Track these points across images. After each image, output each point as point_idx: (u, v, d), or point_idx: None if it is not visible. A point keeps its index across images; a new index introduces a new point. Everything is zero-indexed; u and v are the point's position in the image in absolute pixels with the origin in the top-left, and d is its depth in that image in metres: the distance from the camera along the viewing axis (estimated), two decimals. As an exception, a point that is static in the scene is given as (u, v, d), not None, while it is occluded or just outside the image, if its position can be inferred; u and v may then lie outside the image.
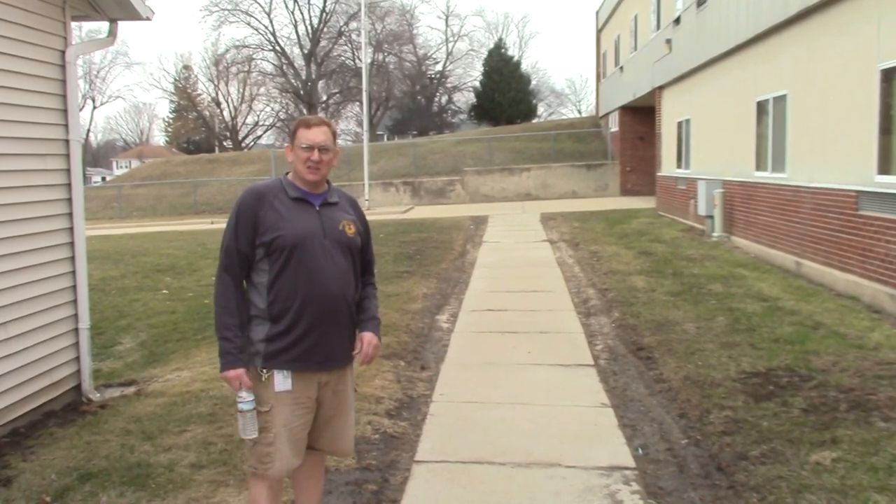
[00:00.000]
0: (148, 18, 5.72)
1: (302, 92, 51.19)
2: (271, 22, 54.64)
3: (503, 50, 49.62)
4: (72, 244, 5.39)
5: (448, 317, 7.98)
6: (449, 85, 56.30)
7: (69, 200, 5.36)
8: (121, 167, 71.88)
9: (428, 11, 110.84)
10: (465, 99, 55.53)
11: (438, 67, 55.99)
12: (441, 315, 8.07)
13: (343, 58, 51.71)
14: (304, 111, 49.91)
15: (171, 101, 60.41)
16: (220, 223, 18.37)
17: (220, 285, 2.80)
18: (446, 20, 63.04)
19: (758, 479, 3.70)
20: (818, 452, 3.90)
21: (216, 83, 54.41)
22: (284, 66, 51.65)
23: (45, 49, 5.09)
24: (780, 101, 10.29)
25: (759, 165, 11.27)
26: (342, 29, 49.97)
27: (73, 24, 5.49)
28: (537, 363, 6.04)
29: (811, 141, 9.33)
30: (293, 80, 51.70)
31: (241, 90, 54.31)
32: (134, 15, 5.63)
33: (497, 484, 3.81)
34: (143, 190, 32.49)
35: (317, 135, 2.82)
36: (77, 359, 5.45)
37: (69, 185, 5.36)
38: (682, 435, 4.46)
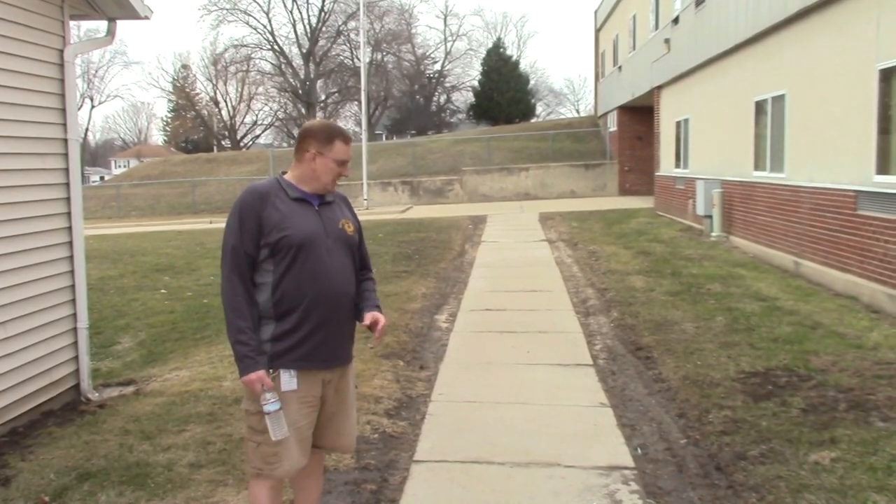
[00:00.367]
0: (146, 17, 5.71)
1: (300, 91, 51.18)
2: (270, 21, 54.62)
3: (502, 49, 49.67)
4: (70, 243, 5.37)
5: (447, 316, 7.98)
6: (447, 84, 56.37)
7: (67, 200, 5.35)
8: (119, 166, 71.92)
9: (426, 11, 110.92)
10: (463, 98, 55.66)
11: (437, 67, 56.10)
12: (440, 315, 8.07)
13: (341, 57, 51.76)
14: (303, 110, 49.95)
15: (170, 101, 60.51)
16: (219, 223, 18.42)
17: (230, 288, 2.74)
18: (445, 20, 63.38)
19: (757, 479, 3.71)
20: (817, 452, 3.90)
21: (214, 82, 54.51)
22: (283, 66, 51.66)
23: (43, 48, 5.08)
24: (779, 100, 10.30)
25: (758, 165, 11.28)
26: (341, 28, 50.03)
27: (72, 23, 5.48)
28: (536, 363, 6.04)
29: (810, 141, 9.34)
30: (291, 80, 51.68)
31: (239, 89, 54.40)
32: (132, 14, 5.63)
33: (496, 483, 3.81)
34: (141, 189, 32.46)
35: (350, 150, 2.87)
36: (76, 358, 5.45)
37: (67, 185, 5.35)
38: (681, 434, 4.47)
